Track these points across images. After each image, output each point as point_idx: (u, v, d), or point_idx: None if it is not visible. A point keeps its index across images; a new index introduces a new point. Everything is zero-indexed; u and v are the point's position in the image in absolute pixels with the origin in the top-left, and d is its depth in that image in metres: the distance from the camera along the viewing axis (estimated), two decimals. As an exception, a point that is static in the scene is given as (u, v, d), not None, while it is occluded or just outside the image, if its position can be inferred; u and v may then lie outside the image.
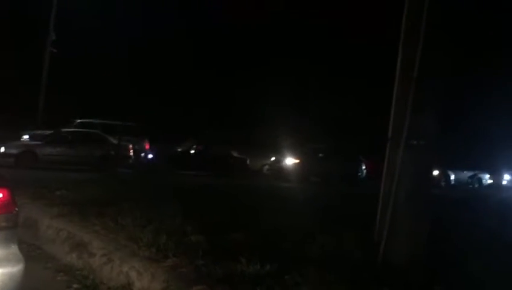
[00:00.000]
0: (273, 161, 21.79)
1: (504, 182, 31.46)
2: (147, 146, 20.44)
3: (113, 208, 6.52)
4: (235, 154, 21.12)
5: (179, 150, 20.38)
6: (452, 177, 27.05)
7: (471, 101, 28.46)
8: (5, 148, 16.62)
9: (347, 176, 20.79)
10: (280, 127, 22.85)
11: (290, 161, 20.64)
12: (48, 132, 18.90)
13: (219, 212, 6.77)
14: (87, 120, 20.51)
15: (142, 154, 20.20)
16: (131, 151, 18.63)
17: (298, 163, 20.37)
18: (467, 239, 5.78)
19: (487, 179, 29.56)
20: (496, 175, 30.67)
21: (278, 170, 20.85)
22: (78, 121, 20.57)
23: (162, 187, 10.04)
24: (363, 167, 22.73)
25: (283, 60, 29.62)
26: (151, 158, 20.46)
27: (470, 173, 28.57)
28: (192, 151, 20.54)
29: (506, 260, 4.84)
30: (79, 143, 17.62)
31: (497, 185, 29.73)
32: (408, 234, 4.34)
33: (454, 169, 27.01)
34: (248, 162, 21.08)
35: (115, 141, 17.99)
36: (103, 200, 7.22)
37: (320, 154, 21.72)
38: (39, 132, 19.87)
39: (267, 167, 22.00)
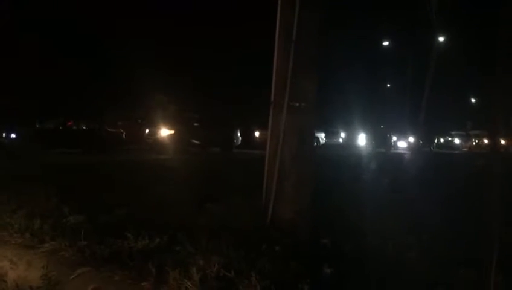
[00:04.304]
0: (147, 133, 21.18)
1: (340, 140, 34.65)
2: None
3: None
4: (109, 129, 20.13)
5: (47, 127, 18.74)
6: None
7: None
8: None
9: (223, 144, 21.11)
10: (153, 99, 22.26)
11: (164, 132, 20.24)
12: None
13: (98, 190, 6.38)
14: None
15: (3, 135, 18.36)
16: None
17: (173, 134, 20.07)
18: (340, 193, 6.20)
19: (323, 138, 31.78)
20: (333, 134, 33.54)
21: (153, 142, 20.35)
22: None
23: (30, 168, 9.22)
24: (239, 134, 23.15)
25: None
26: (14, 138, 18.66)
27: None
28: (61, 128, 19.09)
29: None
30: None
31: (333, 143, 32.62)
32: (294, 193, 4.48)
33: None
34: (124, 136, 20.23)
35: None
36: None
37: (196, 124, 21.59)
38: None
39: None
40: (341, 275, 3.30)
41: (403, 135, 35.61)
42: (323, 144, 30.73)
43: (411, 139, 34.32)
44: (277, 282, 3.12)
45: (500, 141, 3.32)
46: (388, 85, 43.86)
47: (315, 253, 3.65)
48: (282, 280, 3.18)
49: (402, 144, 35.26)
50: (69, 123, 19.10)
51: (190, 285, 3.20)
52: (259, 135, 24.41)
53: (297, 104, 4.39)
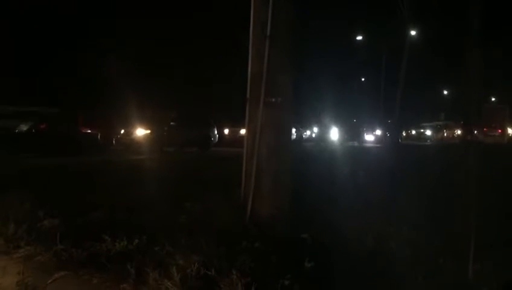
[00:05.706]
0: (123, 134, 20.88)
1: (313, 135, 35.17)
2: None
3: None
4: (83, 130, 19.78)
5: (19, 130, 18.24)
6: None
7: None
8: None
9: (200, 142, 20.99)
10: (128, 100, 21.97)
11: (140, 132, 20.00)
12: None
13: (73, 193, 6.26)
14: None
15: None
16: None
17: (149, 133, 19.86)
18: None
19: (294, 133, 31.83)
20: (305, 129, 34.24)
21: (129, 143, 20.07)
22: None
23: (2, 173, 8.98)
24: (215, 132, 23.03)
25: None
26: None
27: None
28: (34, 131, 18.63)
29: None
30: None
31: (305, 138, 33.27)
32: (273, 189, 4.48)
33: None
34: (99, 137, 19.91)
35: None
36: None
37: (172, 123, 21.38)
38: None
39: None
40: (322, 268, 3.31)
41: (370, 128, 35.95)
42: (294, 139, 30.87)
43: (378, 132, 34.83)
44: (258, 279, 3.12)
45: (472, 131, 3.38)
46: (362, 79, 44.39)
47: (295, 248, 3.65)
48: (263, 276, 3.17)
49: (369, 137, 35.52)
50: (42, 126, 18.68)
51: (170, 285, 3.17)
52: (235, 132, 24.30)
53: (274, 100, 4.38)
